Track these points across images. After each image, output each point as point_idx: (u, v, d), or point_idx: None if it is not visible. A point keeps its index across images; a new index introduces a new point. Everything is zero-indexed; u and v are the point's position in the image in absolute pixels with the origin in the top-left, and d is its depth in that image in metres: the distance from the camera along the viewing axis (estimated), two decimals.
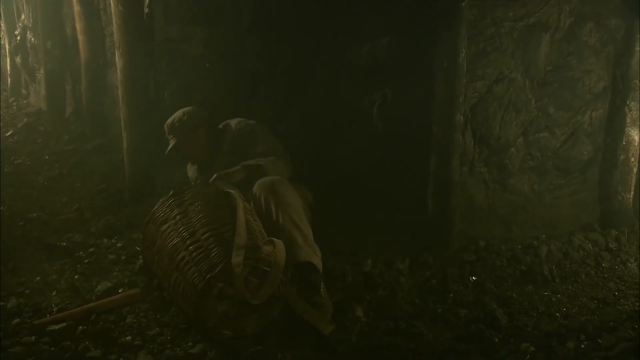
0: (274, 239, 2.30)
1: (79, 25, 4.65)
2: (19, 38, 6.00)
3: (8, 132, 5.14)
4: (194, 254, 2.26)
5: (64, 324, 2.23)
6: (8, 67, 6.43)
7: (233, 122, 3.06)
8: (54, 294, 2.57)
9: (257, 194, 2.50)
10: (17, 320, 2.30)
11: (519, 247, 3.09)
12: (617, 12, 3.18)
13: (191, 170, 3.16)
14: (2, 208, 3.56)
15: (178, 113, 3.05)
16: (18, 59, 6.13)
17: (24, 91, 6.28)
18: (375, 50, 2.98)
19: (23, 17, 5.82)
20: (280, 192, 2.48)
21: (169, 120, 3.05)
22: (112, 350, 2.11)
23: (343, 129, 3.13)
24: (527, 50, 3.02)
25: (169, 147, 3.03)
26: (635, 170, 3.39)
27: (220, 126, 3.09)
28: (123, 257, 2.90)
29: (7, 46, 6.32)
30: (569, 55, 3.12)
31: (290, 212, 2.45)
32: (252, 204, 2.53)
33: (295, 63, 3.22)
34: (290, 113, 3.26)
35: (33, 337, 2.16)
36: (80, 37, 4.66)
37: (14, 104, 6.15)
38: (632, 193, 3.41)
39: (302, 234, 2.43)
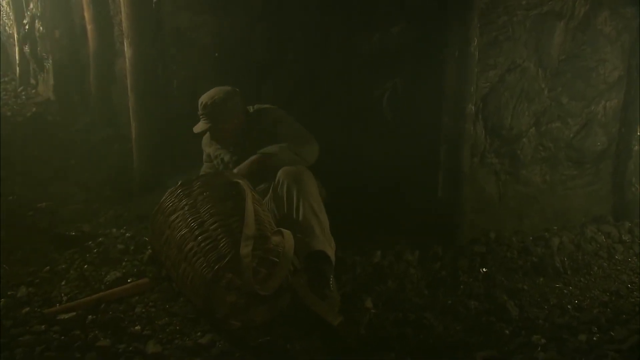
0: (283, 230, 2.29)
1: (87, 14, 4.63)
2: (27, 27, 5.99)
3: (17, 121, 5.14)
4: (203, 244, 2.26)
5: (74, 313, 2.24)
6: (17, 57, 6.43)
7: (268, 110, 2.97)
8: (63, 283, 2.57)
9: (281, 181, 2.52)
10: (27, 309, 2.31)
11: (530, 238, 3.06)
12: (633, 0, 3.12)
13: (211, 147, 3.07)
14: (11, 198, 3.57)
15: (216, 93, 2.85)
16: (27, 48, 6.13)
17: (32, 81, 6.28)
18: (385, 39, 2.94)
19: (31, 5, 5.81)
20: (304, 181, 2.50)
21: (205, 100, 2.84)
22: (122, 340, 2.12)
23: (353, 119, 3.10)
24: (541, 39, 2.97)
25: (201, 128, 2.87)
26: None
27: (252, 110, 2.99)
28: (132, 247, 2.90)
29: (15, 35, 6.31)
30: (584, 44, 3.07)
31: (311, 201, 2.47)
32: (273, 190, 2.54)
33: (304, 52, 3.19)
34: (299, 103, 3.24)
35: (43, 326, 2.17)
36: (88, 26, 4.64)
37: (23, 93, 6.15)
38: None
39: (320, 224, 2.45)
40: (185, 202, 2.44)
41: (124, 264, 2.74)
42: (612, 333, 2.18)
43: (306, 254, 2.40)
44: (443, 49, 2.81)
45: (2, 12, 6.35)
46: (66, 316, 2.23)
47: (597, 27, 3.07)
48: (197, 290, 2.22)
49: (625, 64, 3.21)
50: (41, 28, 5.64)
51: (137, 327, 2.20)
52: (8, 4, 6.34)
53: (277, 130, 2.84)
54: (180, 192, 2.50)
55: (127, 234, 3.07)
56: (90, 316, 2.24)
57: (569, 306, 2.47)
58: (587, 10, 3.02)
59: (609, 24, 3.09)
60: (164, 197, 2.57)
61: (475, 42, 2.76)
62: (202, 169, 3.18)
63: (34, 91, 6.18)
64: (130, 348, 2.06)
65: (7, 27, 6.70)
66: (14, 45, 6.49)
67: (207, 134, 3.08)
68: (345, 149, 3.11)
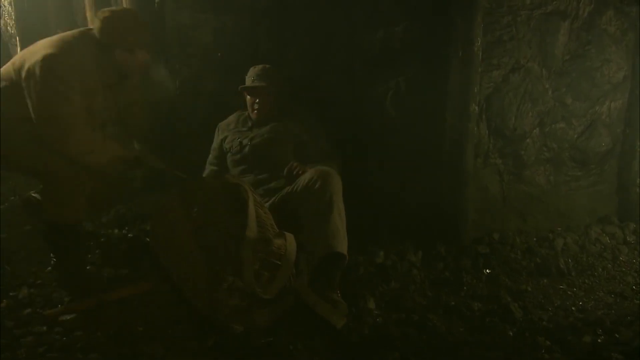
0: (285, 232, 2.28)
1: (89, 14, 4.62)
2: None
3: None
4: (204, 247, 2.24)
5: (75, 315, 2.23)
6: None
7: (301, 110, 3.02)
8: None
9: (314, 179, 2.51)
10: (29, 310, 2.30)
11: (534, 239, 3.05)
12: None
13: (230, 131, 3.03)
14: (12, 198, 3.56)
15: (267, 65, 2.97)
16: None
17: None
18: (389, 37, 2.93)
19: None
20: (335, 183, 2.52)
21: (260, 66, 2.96)
22: (124, 341, 2.10)
23: (356, 118, 3.09)
24: (545, 39, 2.95)
25: (257, 83, 2.90)
26: None
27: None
28: (134, 248, 2.89)
29: (17, 36, 6.31)
30: (588, 44, 3.05)
31: (339, 204, 2.49)
32: (302, 186, 2.54)
33: (307, 51, 3.18)
34: (301, 102, 3.22)
35: (44, 327, 2.16)
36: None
37: None
38: None
39: (344, 227, 2.46)
40: (186, 205, 2.43)
41: (126, 264, 2.74)
42: (616, 335, 2.17)
43: (325, 254, 2.38)
44: (446, 49, 2.79)
45: (4, 12, 6.34)
46: (68, 317, 2.22)
47: (602, 27, 3.06)
48: (198, 293, 2.20)
49: (630, 64, 3.19)
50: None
51: (140, 329, 2.18)
52: (10, 3, 6.33)
53: (308, 136, 2.89)
54: (181, 194, 2.49)
55: (129, 235, 3.06)
56: (92, 317, 2.23)
57: (573, 308, 2.46)
58: (591, 10, 3.00)
59: (613, 23, 3.08)
60: (165, 199, 2.56)
61: (479, 42, 2.75)
62: (208, 160, 3.13)
63: None
64: (133, 350, 2.05)
65: (9, 27, 6.69)
66: (16, 45, 6.48)
67: (232, 117, 3.08)
68: (348, 148, 3.10)
